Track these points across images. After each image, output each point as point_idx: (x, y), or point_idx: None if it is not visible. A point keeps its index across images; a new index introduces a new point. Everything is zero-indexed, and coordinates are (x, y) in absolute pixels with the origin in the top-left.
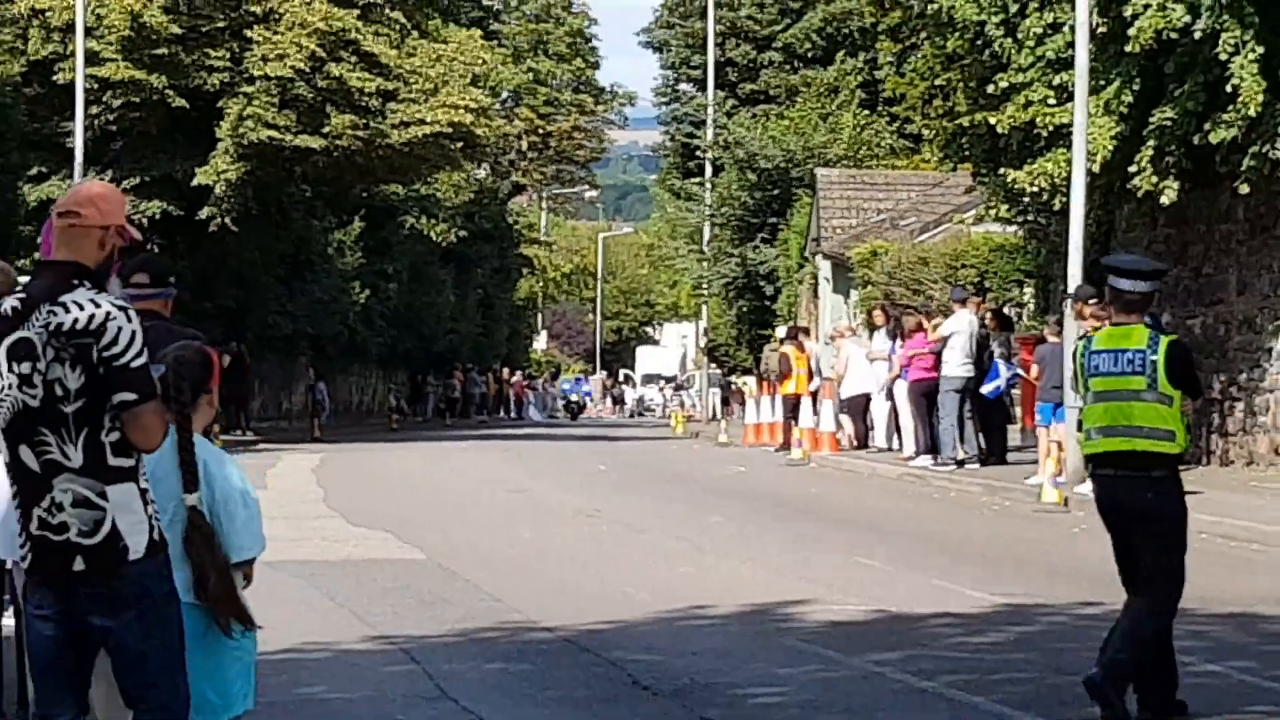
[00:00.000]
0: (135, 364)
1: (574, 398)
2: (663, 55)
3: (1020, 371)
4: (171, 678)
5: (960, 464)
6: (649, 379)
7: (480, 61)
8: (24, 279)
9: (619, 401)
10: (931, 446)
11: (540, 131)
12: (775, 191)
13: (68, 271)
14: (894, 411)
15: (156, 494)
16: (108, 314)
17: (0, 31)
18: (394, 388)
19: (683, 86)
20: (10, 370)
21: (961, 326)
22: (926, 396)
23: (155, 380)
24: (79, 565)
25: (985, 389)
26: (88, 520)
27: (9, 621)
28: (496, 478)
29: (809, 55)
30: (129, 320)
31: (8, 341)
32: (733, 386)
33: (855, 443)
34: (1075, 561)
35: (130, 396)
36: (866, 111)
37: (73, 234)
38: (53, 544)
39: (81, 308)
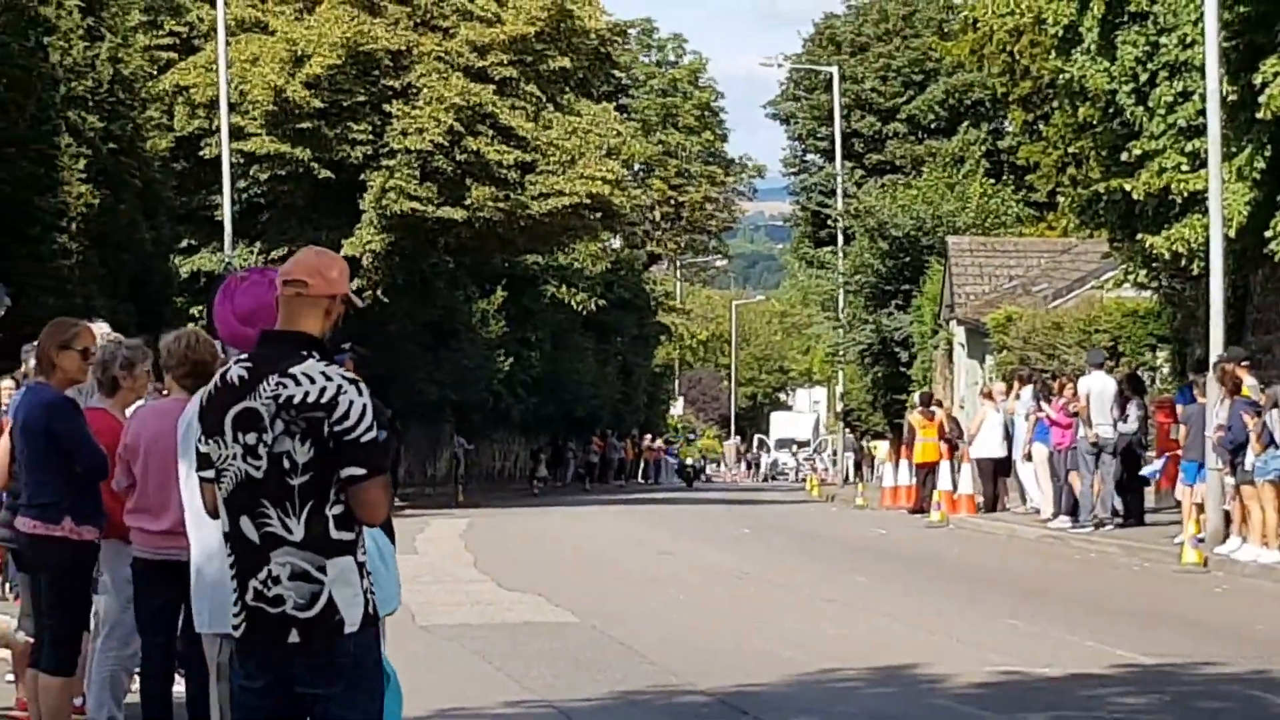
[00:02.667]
0: (366, 438)
1: (689, 461)
2: (790, 127)
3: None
4: None
5: (1099, 525)
6: (782, 443)
7: (614, 134)
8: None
9: (753, 465)
10: (1071, 508)
11: (673, 202)
12: (906, 259)
13: (296, 342)
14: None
15: None
16: (339, 387)
17: (147, 108)
18: (538, 452)
19: (810, 157)
20: (235, 440)
21: (1097, 389)
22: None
23: (385, 455)
24: (294, 638)
25: (1144, 472)
26: (305, 593)
27: (179, 689)
28: (642, 540)
29: (933, 126)
30: (360, 394)
31: (233, 411)
32: (864, 450)
33: (986, 504)
34: (1220, 621)
35: (360, 472)
36: (991, 180)
37: (299, 303)
38: (268, 616)
39: (313, 380)
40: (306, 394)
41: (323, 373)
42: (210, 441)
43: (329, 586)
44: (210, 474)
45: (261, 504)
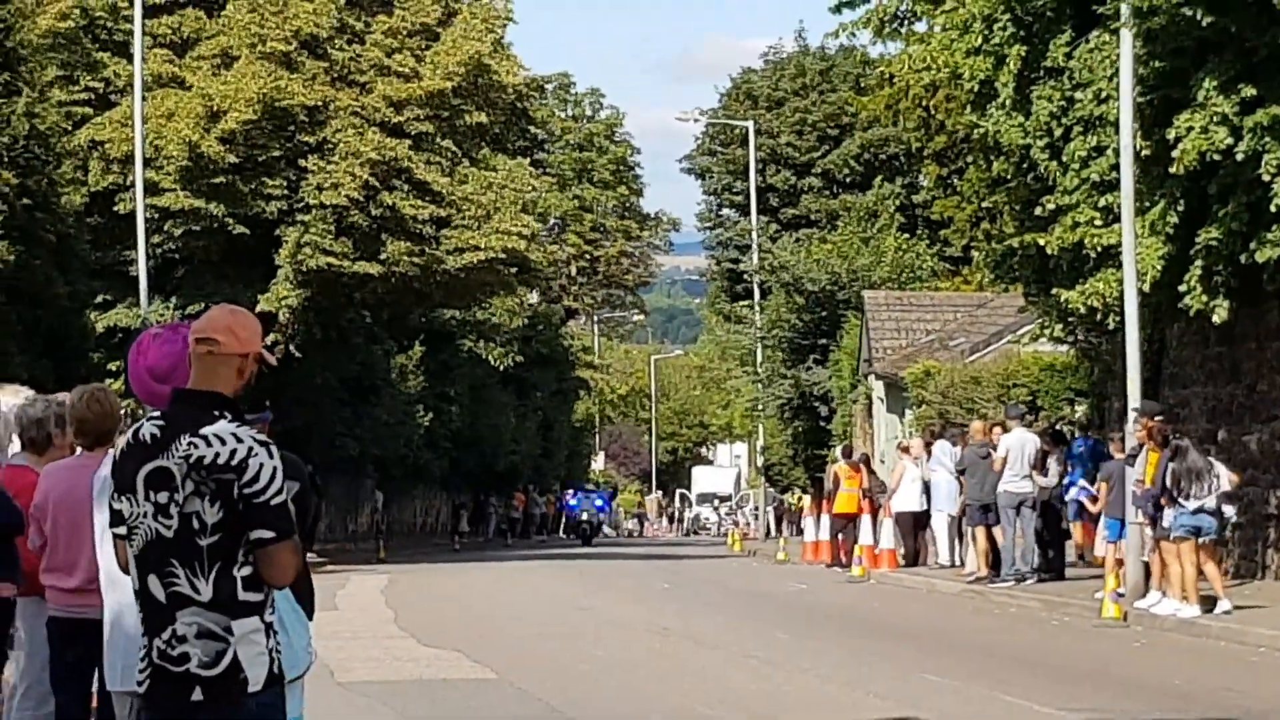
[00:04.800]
0: (275, 501)
1: (584, 516)
2: (705, 181)
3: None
4: None
5: (1020, 580)
6: (704, 498)
7: (530, 188)
8: None
9: (675, 520)
10: (991, 563)
11: (589, 257)
12: (823, 313)
13: (209, 401)
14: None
15: None
16: (250, 450)
17: (62, 163)
18: (460, 507)
19: (726, 211)
20: (146, 499)
21: (1016, 443)
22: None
23: (293, 518)
24: (197, 695)
25: (1071, 495)
26: (210, 651)
27: None
28: (563, 596)
29: (848, 180)
30: (271, 457)
31: (146, 469)
32: (784, 504)
33: (907, 559)
34: (1139, 676)
35: (268, 534)
36: (906, 235)
37: (211, 362)
38: (171, 674)
39: (224, 442)
40: (217, 455)
41: (234, 434)
42: (123, 498)
43: (234, 646)
44: (123, 530)
45: (171, 563)
